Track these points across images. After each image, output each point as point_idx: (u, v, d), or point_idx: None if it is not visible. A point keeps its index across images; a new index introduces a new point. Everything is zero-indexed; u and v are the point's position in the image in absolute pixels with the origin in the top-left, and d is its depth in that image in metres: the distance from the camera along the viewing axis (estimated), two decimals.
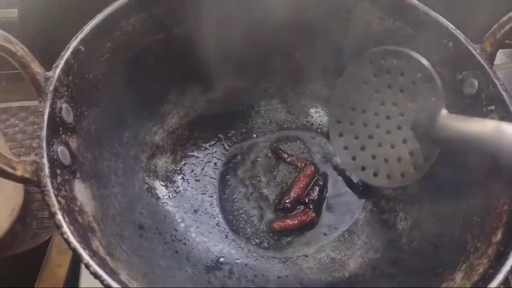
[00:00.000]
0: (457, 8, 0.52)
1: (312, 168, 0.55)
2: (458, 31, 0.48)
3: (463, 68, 0.48)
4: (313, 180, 0.54)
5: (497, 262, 0.36)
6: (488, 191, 0.43)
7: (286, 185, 0.54)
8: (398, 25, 0.52)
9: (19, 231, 0.60)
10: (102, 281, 0.32)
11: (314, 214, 0.52)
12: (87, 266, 0.32)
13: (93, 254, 0.34)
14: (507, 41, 0.77)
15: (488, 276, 0.35)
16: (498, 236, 0.39)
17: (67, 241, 0.33)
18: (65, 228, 0.33)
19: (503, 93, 0.44)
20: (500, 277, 0.34)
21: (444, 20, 0.49)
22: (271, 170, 0.56)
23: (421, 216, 0.49)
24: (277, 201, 0.53)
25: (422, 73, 0.49)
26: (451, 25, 0.49)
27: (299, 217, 0.52)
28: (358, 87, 0.54)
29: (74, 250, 0.33)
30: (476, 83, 0.47)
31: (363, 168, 0.53)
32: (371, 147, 0.53)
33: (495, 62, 0.72)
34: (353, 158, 0.54)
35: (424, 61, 0.49)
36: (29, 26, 0.64)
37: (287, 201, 0.52)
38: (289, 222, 0.52)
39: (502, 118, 0.44)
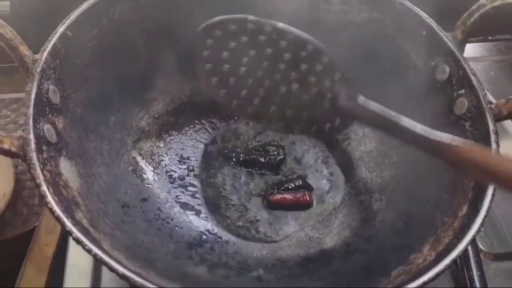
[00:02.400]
0: None
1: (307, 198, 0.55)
2: (431, 20, 0.50)
3: (436, 55, 0.50)
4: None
5: (461, 233, 0.38)
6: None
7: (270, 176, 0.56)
8: (376, 16, 0.54)
9: (10, 217, 0.61)
10: (83, 246, 0.34)
11: (312, 199, 0.54)
12: (70, 233, 0.34)
13: (76, 223, 0.36)
14: (481, 38, 0.79)
15: (452, 246, 0.37)
16: (464, 210, 0.41)
17: (51, 210, 0.35)
18: (49, 198, 0.35)
19: (472, 77, 0.46)
20: (462, 246, 0.36)
21: (419, 9, 0.51)
22: (253, 155, 0.57)
23: (395, 196, 0.51)
24: (262, 191, 0.55)
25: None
26: (425, 14, 0.51)
27: (297, 196, 0.54)
28: None
29: (57, 219, 0.35)
30: (448, 69, 0.49)
31: None
32: None
33: (474, 55, 0.75)
34: None
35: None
36: (21, 18, 0.65)
37: (271, 198, 0.54)
38: (286, 197, 0.54)
39: (471, 101, 0.46)
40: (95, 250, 0.33)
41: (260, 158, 0.57)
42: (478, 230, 0.37)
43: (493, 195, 0.39)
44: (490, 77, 0.74)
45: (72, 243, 0.52)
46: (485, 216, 0.38)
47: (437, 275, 0.35)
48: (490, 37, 0.81)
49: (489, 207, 0.38)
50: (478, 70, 0.73)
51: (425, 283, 0.34)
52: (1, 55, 0.44)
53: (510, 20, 0.46)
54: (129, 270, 0.33)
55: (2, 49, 0.42)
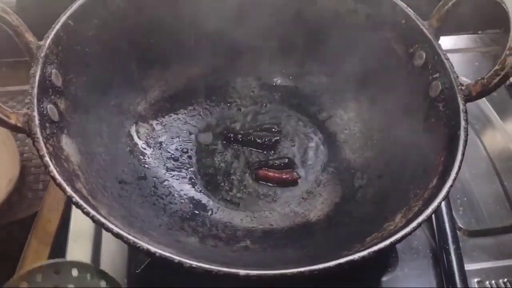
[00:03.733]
0: None
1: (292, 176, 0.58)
2: (409, 9, 0.53)
3: (414, 42, 0.53)
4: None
5: (429, 202, 0.41)
6: (430, 148, 0.48)
7: (258, 155, 0.60)
8: (360, 6, 0.58)
9: (16, 201, 0.64)
10: (83, 209, 0.37)
11: (298, 176, 0.58)
12: (70, 198, 0.37)
13: (76, 191, 0.39)
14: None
15: (419, 212, 0.40)
16: (434, 182, 0.44)
17: (53, 178, 0.38)
18: (52, 167, 0.39)
19: (445, 61, 0.49)
20: (428, 211, 0.39)
21: (398, 0, 0.55)
22: (245, 140, 0.61)
23: (375, 174, 0.54)
24: (251, 167, 0.58)
25: None
26: (404, 4, 0.54)
27: (284, 174, 0.57)
28: None
29: (59, 185, 0.38)
30: (424, 54, 0.52)
31: None
32: None
33: (460, 47, 0.78)
34: None
35: None
36: (27, 11, 0.68)
37: (259, 172, 0.57)
38: (273, 173, 0.57)
39: (444, 83, 0.49)
40: (93, 212, 0.37)
41: (256, 139, 0.60)
42: (445, 197, 0.40)
43: (459, 167, 0.42)
44: (474, 67, 0.77)
45: (74, 218, 0.56)
46: (451, 185, 0.41)
47: (404, 237, 0.38)
48: (479, 32, 0.84)
49: (455, 178, 0.41)
50: (463, 61, 0.77)
51: (392, 244, 0.37)
52: (7, 50, 0.46)
53: (496, 14, 0.49)
54: (124, 231, 0.37)
55: (8, 43, 0.46)
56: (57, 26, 0.47)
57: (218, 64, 0.64)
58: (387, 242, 0.37)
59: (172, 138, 0.59)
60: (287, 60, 0.65)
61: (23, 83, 0.78)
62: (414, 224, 0.38)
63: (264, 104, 0.65)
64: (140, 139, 0.57)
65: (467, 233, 0.58)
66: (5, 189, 0.60)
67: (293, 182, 0.57)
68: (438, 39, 0.52)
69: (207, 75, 0.64)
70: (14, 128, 0.40)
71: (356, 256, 0.36)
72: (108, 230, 0.36)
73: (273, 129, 0.62)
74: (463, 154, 0.43)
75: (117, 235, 0.36)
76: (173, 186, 0.55)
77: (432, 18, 0.52)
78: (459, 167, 0.42)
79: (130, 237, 0.36)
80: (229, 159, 0.59)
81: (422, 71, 0.52)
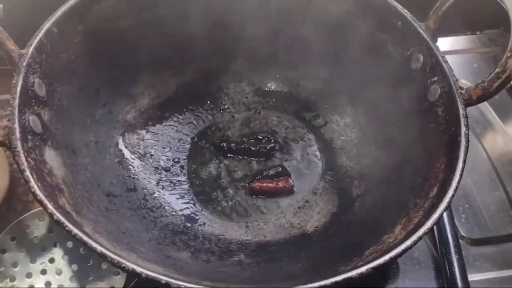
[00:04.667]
0: None
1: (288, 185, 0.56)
2: (406, 11, 0.52)
3: (411, 44, 0.51)
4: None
5: (430, 213, 0.39)
6: (430, 154, 0.46)
7: (251, 164, 0.58)
8: (354, 8, 0.56)
9: (5, 213, 0.63)
10: (64, 227, 0.35)
11: (293, 183, 0.56)
12: (51, 215, 0.36)
13: (58, 207, 0.37)
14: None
15: (420, 224, 0.38)
16: (434, 191, 0.42)
17: (34, 194, 0.37)
18: (33, 183, 0.37)
19: (444, 64, 0.48)
20: (429, 224, 0.38)
21: (394, 1, 0.53)
22: (239, 149, 0.59)
23: (373, 182, 0.52)
24: (244, 179, 0.56)
25: None
26: (400, 6, 0.52)
27: (280, 183, 0.55)
28: None
29: (40, 202, 0.36)
30: (422, 57, 0.50)
31: None
32: None
33: (458, 47, 0.76)
34: None
35: None
36: (14, 20, 0.67)
37: (255, 186, 0.55)
38: (267, 185, 0.55)
39: (442, 87, 0.47)
40: (75, 231, 0.35)
41: (251, 147, 0.58)
42: (446, 208, 0.39)
43: (461, 175, 0.40)
44: (473, 69, 0.75)
45: None
46: (453, 196, 0.39)
47: (404, 251, 0.36)
48: (478, 32, 0.82)
49: (456, 187, 0.40)
50: (461, 62, 0.75)
51: (392, 259, 0.35)
52: None
53: (494, 14, 0.47)
54: (109, 250, 0.35)
55: None
56: (40, 34, 0.46)
57: (210, 69, 0.63)
58: (387, 257, 0.35)
59: (163, 148, 0.57)
60: (281, 64, 0.63)
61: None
62: (414, 237, 0.37)
63: (258, 110, 0.63)
64: (129, 149, 0.55)
65: (470, 241, 0.57)
66: None
67: (289, 190, 0.55)
68: (435, 41, 0.50)
69: (199, 81, 0.62)
70: None
71: (354, 273, 0.34)
72: (91, 249, 0.34)
73: (268, 136, 0.60)
74: (464, 161, 0.41)
75: (101, 255, 0.34)
76: (164, 198, 0.53)
77: (429, 20, 0.51)
78: (461, 176, 0.40)
79: (114, 256, 0.34)
80: (223, 169, 0.57)
81: (419, 74, 0.50)
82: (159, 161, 0.56)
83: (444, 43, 0.78)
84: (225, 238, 0.50)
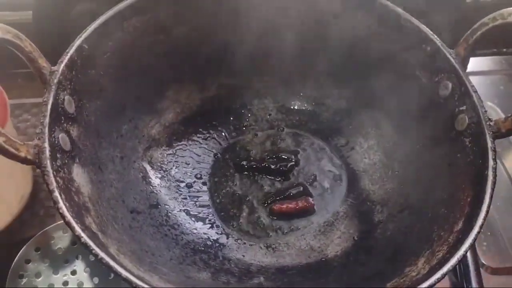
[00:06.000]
0: (434, 16, 0.55)
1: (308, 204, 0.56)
2: (435, 36, 0.51)
3: (440, 71, 0.51)
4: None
5: (454, 248, 0.39)
6: (455, 185, 0.46)
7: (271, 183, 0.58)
8: (383, 31, 0.56)
9: (27, 218, 0.64)
10: (91, 251, 0.36)
11: (313, 202, 0.55)
12: (79, 238, 0.36)
13: (85, 228, 0.38)
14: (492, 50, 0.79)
15: (444, 260, 0.38)
16: (460, 225, 0.42)
17: (62, 215, 0.37)
18: (61, 204, 0.38)
19: (473, 94, 0.47)
20: (453, 261, 0.37)
21: (424, 26, 0.52)
22: (259, 167, 0.59)
23: (396, 209, 0.52)
24: (265, 200, 0.56)
25: None
26: (429, 31, 0.52)
27: (299, 203, 0.55)
28: None
29: (68, 224, 0.37)
30: (450, 85, 0.50)
31: None
32: None
33: (483, 68, 0.76)
34: None
35: None
36: (43, 27, 0.68)
37: (275, 207, 0.55)
38: (289, 205, 0.55)
39: (471, 118, 0.47)
40: (102, 254, 0.35)
41: (271, 165, 0.58)
42: (471, 246, 0.38)
43: (487, 211, 0.40)
44: (499, 91, 0.74)
45: None
46: (478, 232, 0.39)
47: None
48: (504, 49, 0.81)
49: (482, 224, 0.39)
50: (487, 84, 0.74)
51: None
52: (21, 61, 0.46)
53: None
54: (133, 274, 0.35)
55: None
56: (71, 51, 0.46)
57: (234, 85, 0.63)
58: None
59: (186, 163, 0.58)
60: (306, 82, 0.63)
61: (38, 95, 0.78)
62: (438, 274, 0.37)
63: (281, 128, 0.63)
64: (153, 164, 0.56)
65: (491, 270, 0.56)
66: (17, 206, 0.60)
67: (310, 210, 0.55)
68: (465, 68, 0.50)
69: (223, 97, 0.63)
70: (24, 161, 0.39)
71: None
72: (117, 274, 0.35)
73: (289, 155, 0.60)
74: (491, 197, 0.41)
75: (126, 280, 0.35)
76: (185, 215, 0.53)
77: (459, 47, 0.50)
78: (487, 212, 0.40)
79: (139, 282, 0.34)
80: (244, 188, 0.57)
81: (447, 102, 0.50)
82: (182, 177, 0.57)
83: (470, 64, 0.77)
84: (245, 259, 0.51)
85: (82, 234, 0.36)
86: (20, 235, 0.61)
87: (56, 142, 0.42)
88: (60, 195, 0.38)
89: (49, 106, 0.42)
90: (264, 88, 0.64)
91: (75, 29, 0.49)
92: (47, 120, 0.41)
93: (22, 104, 0.78)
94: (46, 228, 0.54)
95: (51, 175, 0.39)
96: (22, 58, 0.43)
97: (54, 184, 0.38)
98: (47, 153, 0.40)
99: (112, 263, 0.35)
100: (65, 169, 0.42)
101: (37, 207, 0.65)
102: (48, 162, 0.39)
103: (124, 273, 0.35)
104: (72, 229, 0.36)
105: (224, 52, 0.59)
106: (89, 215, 0.41)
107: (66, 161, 0.42)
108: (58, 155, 0.41)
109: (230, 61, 0.60)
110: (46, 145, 0.40)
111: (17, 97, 0.78)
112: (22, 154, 0.39)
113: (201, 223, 0.53)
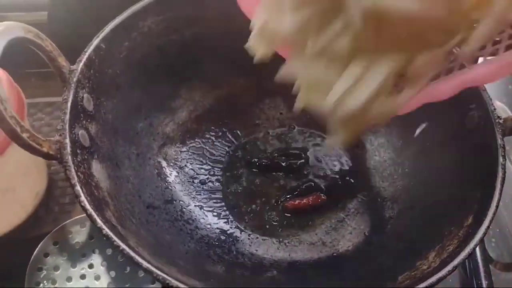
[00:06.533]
0: None
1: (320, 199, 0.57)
2: None
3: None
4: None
5: (464, 242, 0.40)
6: (465, 182, 0.47)
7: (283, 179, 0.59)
8: None
9: (42, 215, 0.65)
10: (112, 242, 0.37)
11: (325, 197, 0.56)
12: (100, 230, 0.37)
13: (106, 221, 0.39)
14: None
15: (455, 254, 0.39)
16: (470, 220, 0.42)
17: (84, 208, 0.38)
18: (83, 197, 0.39)
19: (482, 92, 0.48)
20: (464, 254, 0.38)
21: None
22: (270, 164, 0.60)
23: (406, 205, 0.53)
24: (277, 196, 0.57)
25: None
26: None
27: (311, 199, 0.56)
28: None
29: (89, 216, 0.38)
30: None
31: None
32: None
33: None
34: None
35: None
36: (58, 27, 0.69)
37: (287, 204, 0.56)
38: (301, 201, 0.56)
39: (480, 116, 0.48)
40: (123, 246, 0.37)
41: (281, 163, 0.59)
42: (481, 240, 0.39)
43: (497, 206, 0.41)
44: (508, 90, 0.75)
45: None
46: (488, 227, 0.40)
47: (439, 280, 0.37)
48: None
49: (492, 218, 0.40)
50: (495, 84, 0.74)
51: None
52: (35, 61, 0.47)
53: None
54: (153, 265, 0.36)
55: (36, 55, 0.46)
56: (90, 50, 0.48)
57: (246, 84, 0.64)
58: (422, 286, 0.36)
59: (199, 160, 0.59)
60: None
61: (52, 94, 0.79)
62: (449, 267, 0.37)
63: (292, 126, 0.64)
64: (167, 160, 0.57)
65: (500, 266, 0.57)
66: (32, 203, 0.61)
67: (321, 206, 0.56)
68: None
69: (235, 96, 0.64)
70: (46, 156, 0.40)
71: None
72: (137, 265, 0.36)
73: (300, 153, 0.61)
74: (500, 193, 0.42)
75: (146, 271, 0.36)
76: (199, 211, 0.54)
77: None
78: (497, 207, 0.41)
79: (159, 272, 0.36)
80: (256, 185, 0.58)
81: (457, 100, 0.50)
82: (195, 174, 0.58)
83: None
84: (258, 254, 0.52)
85: (104, 226, 0.37)
86: (35, 231, 0.62)
87: (76, 138, 0.43)
88: (82, 189, 0.39)
89: (69, 104, 0.44)
90: (276, 87, 0.64)
91: (90, 28, 0.50)
92: (67, 117, 0.43)
93: (36, 103, 0.79)
94: (64, 223, 0.55)
95: (73, 169, 0.40)
96: (37, 57, 0.44)
97: (76, 178, 0.39)
98: (68, 148, 0.41)
99: (133, 253, 0.36)
100: (85, 164, 0.43)
101: (52, 204, 0.65)
102: (70, 157, 0.40)
103: (145, 264, 0.36)
104: (93, 221, 0.38)
105: (236, 52, 0.60)
106: (108, 209, 0.42)
107: (86, 157, 0.44)
108: (78, 151, 0.43)
109: (243, 61, 0.61)
110: (67, 141, 0.41)
111: (31, 97, 0.79)
112: (45, 150, 0.40)
113: (215, 218, 0.54)
